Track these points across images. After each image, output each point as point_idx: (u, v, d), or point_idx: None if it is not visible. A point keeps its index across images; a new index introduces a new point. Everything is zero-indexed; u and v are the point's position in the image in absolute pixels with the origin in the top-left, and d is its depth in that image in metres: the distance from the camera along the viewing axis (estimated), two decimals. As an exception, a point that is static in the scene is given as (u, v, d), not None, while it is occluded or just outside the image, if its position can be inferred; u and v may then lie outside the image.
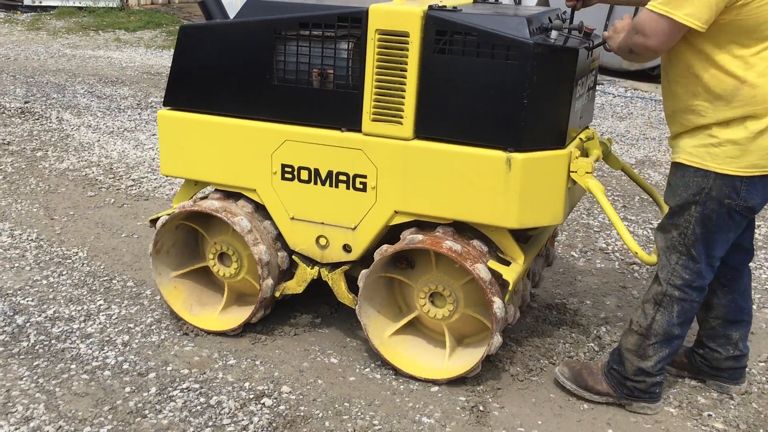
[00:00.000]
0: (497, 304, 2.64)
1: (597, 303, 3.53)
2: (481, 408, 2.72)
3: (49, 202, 4.62)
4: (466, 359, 2.83)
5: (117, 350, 3.02)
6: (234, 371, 2.89)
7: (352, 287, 2.97)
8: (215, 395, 2.73)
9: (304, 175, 2.84)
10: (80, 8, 12.32)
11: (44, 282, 3.59)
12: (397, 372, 2.89)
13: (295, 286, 3.05)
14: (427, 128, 2.66)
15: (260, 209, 3.02)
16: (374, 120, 2.69)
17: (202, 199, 3.10)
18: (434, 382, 2.84)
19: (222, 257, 3.11)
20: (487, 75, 2.53)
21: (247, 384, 2.81)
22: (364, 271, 2.82)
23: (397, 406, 2.72)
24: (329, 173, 2.80)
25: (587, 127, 3.06)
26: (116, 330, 3.16)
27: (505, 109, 2.54)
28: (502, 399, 2.78)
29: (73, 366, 2.92)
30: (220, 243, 3.08)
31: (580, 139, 2.86)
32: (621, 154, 5.91)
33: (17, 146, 5.64)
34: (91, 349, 3.03)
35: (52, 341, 3.08)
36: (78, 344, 3.06)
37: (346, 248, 2.90)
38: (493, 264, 2.68)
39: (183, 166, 3.05)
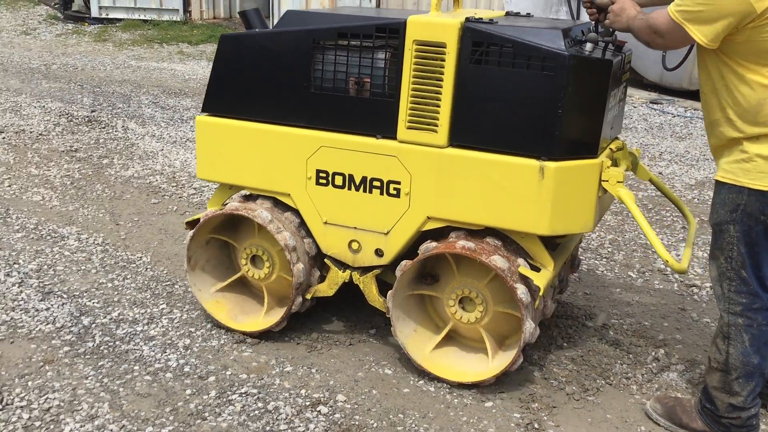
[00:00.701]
0: (521, 289, 2.65)
1: (655, 324, 3.46)
2: (536, 425, 2.69)
3: (115, 207, 4.80)
4: (507, 357, 2.84)
5: (179, 353, 3.10)
6: (291, 378, 2.94)
7: (383, 290, 3.02)
8: (272, 401, 2.79)
9: (339, 180, 2.92)
10: (145, 21, 12.84)
11: (109, 285, 3.72)
12: (445, 382, 2.91)
13: (326, 288, 3.12)
14: (461, 136, 2.70)
15: (279, 204, 3.09)
16: (410, 128, 2.75)
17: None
18: (481, 384, 2.85)
19: (254, 260, 3.20)
20: (522, 85, 2.57)
21: (303, 391, 2.85)
22: (390, 293, 2.88)
23: (451, 420, 2.72)
24: (363, 179, 2.87)
25: (617, 138, 3.05)
26: (178, 333, 3.25)
27: (539, 119, 2.56)
28: (557, 417, 2.75)
29: (136, 367, 3.01)
30: (249, 246, 3.17)
31: (611, 149, 2.86)
32: (680, 174, 5.80)
33: (84, 153, 5.90)
34: (153, 351, 3.12)
35: (117, 342, 3.18)
36: (141, 346, 3.15)
37: (378, 252, 2.95)
38: (524, 270, 2.70)
39: (219, 170, 3.15)
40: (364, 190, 2.88)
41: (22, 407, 2.73)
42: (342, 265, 3.06)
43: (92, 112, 7.14)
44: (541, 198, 2.60)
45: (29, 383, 2.89)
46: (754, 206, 2.36)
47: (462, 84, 2.65)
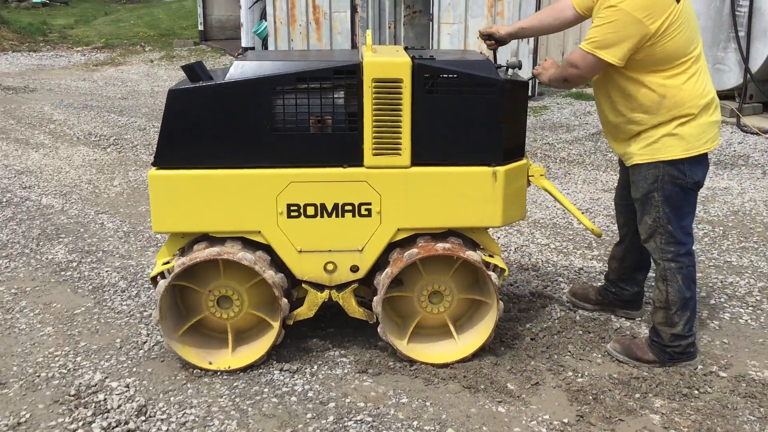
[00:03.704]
0: (494, 276, 3.23)
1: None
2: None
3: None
4: (473, 336, 3.35)
5: (305, 379, 3.26)
6: (405, 409, 3.04)
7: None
8: (385, 430, 2.90)
9: (311, 210, 3.16)
10: None
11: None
12: (430, 365, 3.29)
13: (306, 311, 3.34)
14: (422, 155, 3.16)
15: (247, 243, 3.22)
16: (376, 154, 3.12)
17: (184, 253, 3.21)
18: (463, 360, 3.31)
19: (219, 301, 3.27)
20: (469, 107, 3.12)
21: (415, 423, 2.96)
22: (376, 298, 3.22)
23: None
24: (335, 205, 3.16)
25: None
26: (306, 361, 3.38)
27: (487, 133, 3.16)
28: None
29: (266, 390, 3.18)
30: (216, 288, 3.24)
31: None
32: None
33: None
34: (283, 375, 3.28)
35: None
36: (272, 370, 3.31)
37: (353, 269, 3.27)
38: (486, 258, 3.29)
39: (178, 220, 3.16)
40: (337, 216, 3.18)
41: (162, 420, 2.99)
42: (319, 287, 3.31)
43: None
44: (495, 197, 3.21)
45: (171, 398, 3.13)
46: (670, 174, 3.16)
47: (418, 111, 3.11)
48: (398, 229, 3.24)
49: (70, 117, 9.23)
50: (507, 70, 3.27)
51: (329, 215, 3.18)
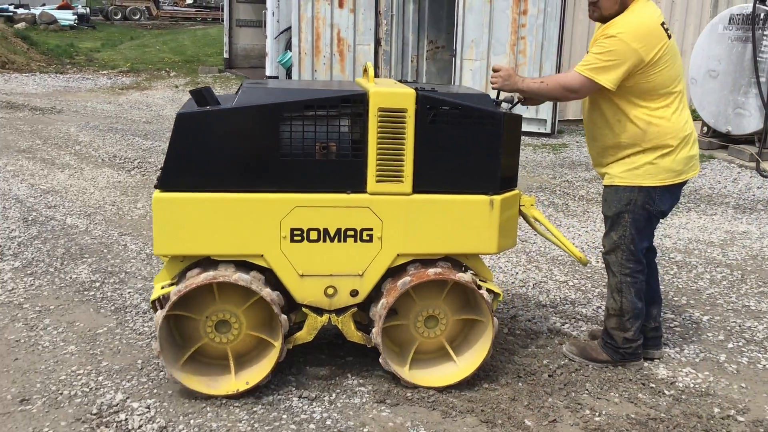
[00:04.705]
0: (485, 293, 3.31)
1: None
2: None
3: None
4: (472, 356, 3.43)
5: (323, 407, 3.30)
6: None
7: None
8: None
9: (314, 235, 3.25)
10: None
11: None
12: (433, 389, 3.36)
13: (305, 335, 3.41)
14: (423, 183, 3.26)
15: (240, 265, 3.27)
16: (379, 181, 3.22)
17: (179, 282, 3.25)
18: (465, 380, 3.38)
19: (218, 326, 3.31)
20: (469, 138, 3.23)
21: None
22: (375, 330, 3.31)
23: None
24: (338, 230, 3.25)
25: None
26: (325, 389, 3.43)
27: (485, 163, 3.26)
28: None
29: (284, 416, 3.22)
30: (213, 314, 3.29)
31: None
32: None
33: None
34: (302, 403, 3.33)
35: (272, 391, 3.38)
36: (292, 397, 3.35)
37: (353, 293, 3.36)
38: (482, 284, 3.36)
39: (181, 243, 3.22)
40: (339, 240, 3.27)
41: (181, 443, 3.00)
42: (318, 311, 3.39)
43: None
44: (491, 225, 3.30)
45: (191, 421, 3.17)
46: (642, 199, 3.40)
47: (421, 141, 3.21)
48: (398, 255, 3.32)
49: (96, 139, 9.49)
50: (501, 104, 3.39)
51: (332, 240, 3.27)
